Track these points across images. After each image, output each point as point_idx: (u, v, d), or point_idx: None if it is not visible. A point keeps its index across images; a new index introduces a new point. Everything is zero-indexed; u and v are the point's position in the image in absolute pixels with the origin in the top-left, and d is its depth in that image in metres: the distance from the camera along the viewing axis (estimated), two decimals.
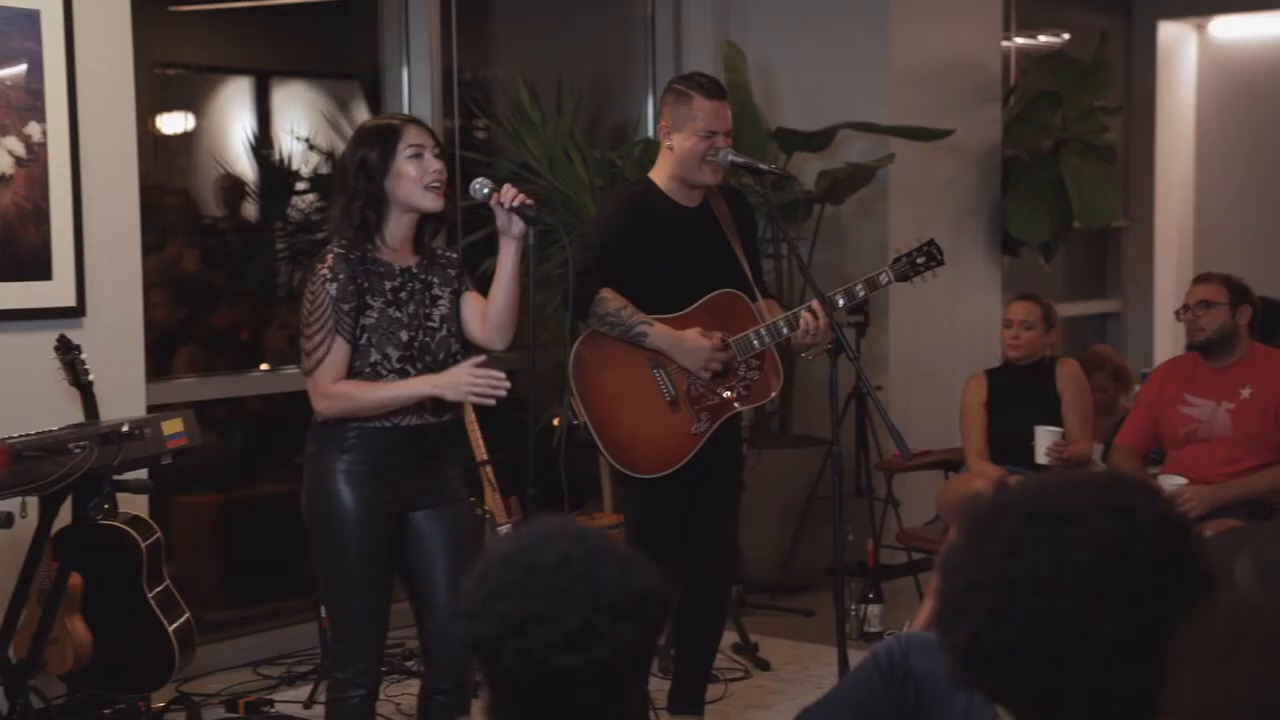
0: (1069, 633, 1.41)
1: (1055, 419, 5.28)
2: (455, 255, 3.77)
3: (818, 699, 2.62)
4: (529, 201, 3.60)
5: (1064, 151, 7.08)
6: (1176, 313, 5.11)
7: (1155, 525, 1.46)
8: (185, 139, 7.02)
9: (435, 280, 3.64)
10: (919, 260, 4.43)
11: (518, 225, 3.58)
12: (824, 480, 5.86)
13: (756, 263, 4.40)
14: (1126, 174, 8.70)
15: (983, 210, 7.11)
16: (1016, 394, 5.42)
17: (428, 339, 3.58)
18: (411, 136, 3.57)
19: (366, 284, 3.52)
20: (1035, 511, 1.49)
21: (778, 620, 5.91)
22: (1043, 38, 8.43)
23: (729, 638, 5.41)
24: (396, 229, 3.59)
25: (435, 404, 3.57)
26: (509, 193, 3.58)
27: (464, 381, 3.49)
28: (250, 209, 7.10)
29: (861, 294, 4.35)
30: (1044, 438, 5.05)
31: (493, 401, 3.54)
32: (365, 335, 3.52)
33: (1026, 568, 1.45)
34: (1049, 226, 7.02)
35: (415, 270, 3.61)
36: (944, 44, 6.88)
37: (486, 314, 3.65)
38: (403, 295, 3.57)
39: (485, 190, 3.62)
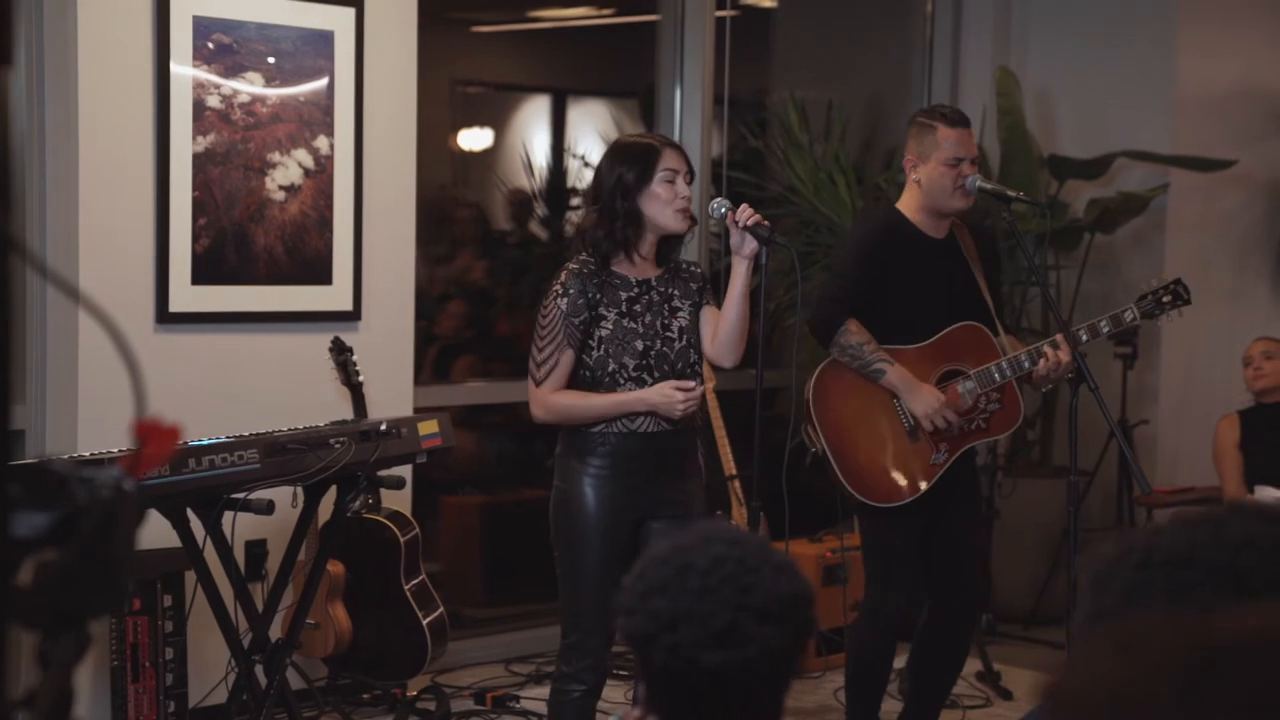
0: None
1: None
2: (699, 269, 3.88)
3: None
4: (764, 222, 3.68)
5: None
6: None
7: (1276, 548, 1.43)
8: (481, 154, 7.33)
9: (676, 292, 3.76)
10: (1164, 299, 4.39)
11: (750, 245, 3.67)
12: (1082, 511, 5.75)
13: (998, 298, 4.39)
14: None
15: (1270, 244, 6.86)
16: (1272, 435, 5.27)
17: (666, 349, 3.71)
18: (668, 160, 3.70)
19: (600, 296, 3.67)
20: (1146, 559, 1.45)
21: (1028, 650, 5.84)
22: None
23: (973, 665, 5.38)
24: (644, 246, 3.73)
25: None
26: (744, 212, 3.67)
27: (679, 406, 3.62)
28: (535, 222, 7.36)
29: (1106, 330, 4.33)
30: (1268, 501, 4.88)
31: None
32: (603, 346, 3.67)
33: (1144, 614, 1.41)
34: None
35: (654, 282, 3.74)
36: (1235, 71, 6.68)
37: (716, 331, 3.75)
38: (638, 307, 3.70)
39: (722, 210, 3.71)
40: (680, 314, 3.75)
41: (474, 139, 7.44)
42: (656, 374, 3.70)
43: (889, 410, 4.20)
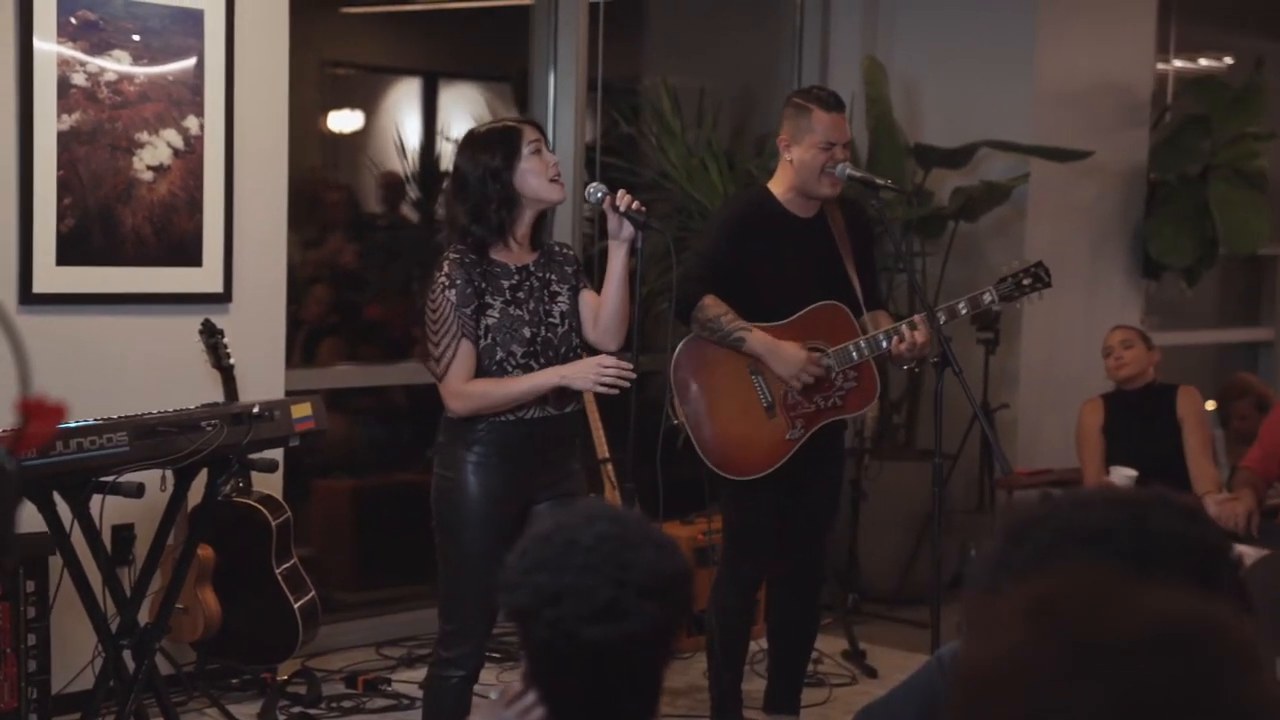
0: None
1: (1176, 446, 5.27)
2: (572, 251, 3.91)
3: (880, 697, 2.68)
4: (641, 207, 3.72)
5: (1212, 177, 7.00)
6: None
7: (1186, 549, 1.46)
8: (351, 137, 7.27)
9: (553, 277, 3.78)
10: (1025, 282, 4.47)
11: (627, 229, 3.71)
12: (945, 493, 5.87)
13: (870, 275, 4.45)
14: None
15: (1124, 233, 7.06)
16: (1134, 419, 5.42)
17: (550, 334, 3.72)
18: (530, 134, 3.74)
19: (485, 285, 3.67)
20: (1064, 527, 1.50)
21: (892, 630, 5.95)
22: (1204, 61, 8.32)
23: (839, 644, 5.48)
24: (521, 228, 3.75)
25: (557, 396, 3.72)
26: (622, 197, 3.71)
27: (593, 372, 3.64)
28: (407, 206, 7.33)
29: (964, 311, 4.42)
30: (1121, 482, 5.03)
31: (616, 391, 3.68)
32: (489, 335, 3.67)
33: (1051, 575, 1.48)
34: (1192, 251, 6.95)
35: (532, 268, 3.76)
36: (1092, 65, 6.86)
37: (598, 315, 3.78)
38: (521, 294, 3.71)
39: (599, 194, 3.75)
40: (560, 298, 3.77)
41: (344, 121, 7.38)
42: (542, 360, 3.71)
43: (746, 387, 4.28)
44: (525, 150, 3.69)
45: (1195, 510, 1.56)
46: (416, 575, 6.11)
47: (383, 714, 4.88)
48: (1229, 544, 1.55)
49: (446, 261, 3.69)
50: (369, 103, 7.44)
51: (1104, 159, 6.65)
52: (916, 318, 4.29)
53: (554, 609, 1.79)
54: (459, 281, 3.65)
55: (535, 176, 3.69)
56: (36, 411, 1.36)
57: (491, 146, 3.71)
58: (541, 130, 3.80)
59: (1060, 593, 1.13)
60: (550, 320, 3.74)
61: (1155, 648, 1.05)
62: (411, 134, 7.27)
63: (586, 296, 3.82)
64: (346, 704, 4.92)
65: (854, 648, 5.49)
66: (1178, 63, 7.87)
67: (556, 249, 3.85)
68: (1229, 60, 8.42)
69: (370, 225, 7.27)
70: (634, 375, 3.68)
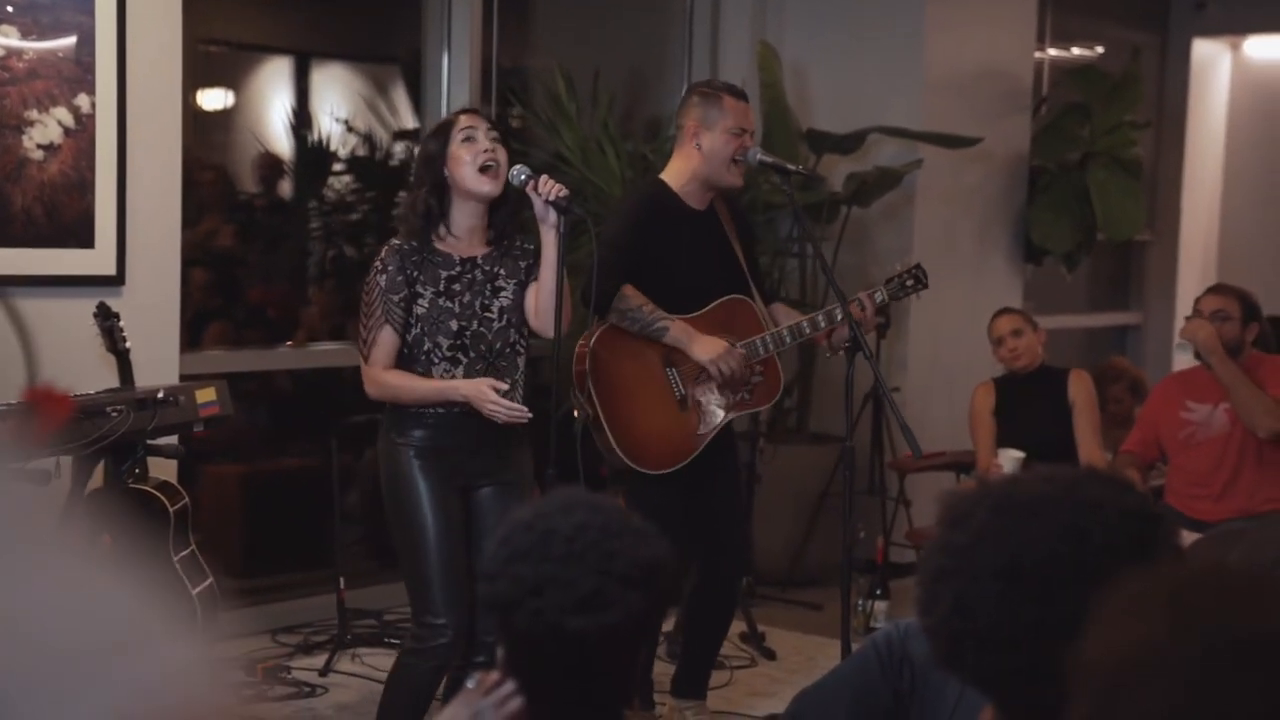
0: (1028, 617, 1.47)
1: (1066, 429, 5.38)
2: (531, 247, 3.86)
3: (817, 680, 2.71)
4: (564, 192, 3.72)
5: (1091, 164, 7.16)
6: (1187, 319, 5.18)
7: (1120, 516, 1.51)
8: (225, 115, 7.14)
9: (501, 272, 3.77)
10: (908, 282, 4.60)
11: (553, 214, 3.71)
12: (838, 477, 5.94)
13: (757, 269, 4.52)
14: (1154, 188, 8.76)
15: (1008, 218, 7.19)
16: (1026, 402, 5.49)
17: (484, 329, 3.71)
18: (463, 121, 3.73)
19: (419, 274, 3.67)
20: (1001, 503, 1.55)
21: (787, 612, 6.02)
22: (1076, 50, 8.50)
23: (737, 627, 5.52)
24: (461, 218, 3.73)
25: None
26: (546, 185, 3.71)
27: (487, 405, 3.63)
28: (286, 188, 7.21)
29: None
30: (1009, 464, 5.12)
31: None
32: (419, 324, 3.68)
33: (989, 556, 1.52)
34: (1072, 237, 7.10)
35: (480, 261, 3.75)
36: (977, 53, 6.97)
37: (537, 303, 3.78)
38: (457, 286, 3.70)
39: (522, 177, 3.74)
40: (504, 293, 3.76)
41: (215, 100, 7.24)
42: (472, 354, 3.70)
43: (660, 380, 4.29)
44: (456, 137, 3.68)
45: (1124, 480, 1.62)
46: (307, 561, 6.04)
47: (285, 701, 4.82)
48: (1161, 509, 1.60)
49: (386, 247, 3.73)
50: (244, 82, 7.31)
51: (989, 145, 6.76)
52: (833, 309, 4.31)
53: (537, 599, 1.78)
54: (390, 268, 3.68)
55: (461, 165, 3.68)
56: (45, 400, 1.32)
57: (432, 134, 3.78)
58: (486, 119, 3.78)
59: (1198, 585, 1.14)
60: (487, 315, 3.72)
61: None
62: (292, 115, 7.16)
63: (533, 289, 3.82)
64: (247, 692, 4.84)
65: (752, 630, 5.54)
66: (1052, 51, 8.04)
67: (516, 245, 3.84)
68: (1100, 49, 8.61)
69: (247, 206, 7.14)
70: (529, 416, 3.69)
